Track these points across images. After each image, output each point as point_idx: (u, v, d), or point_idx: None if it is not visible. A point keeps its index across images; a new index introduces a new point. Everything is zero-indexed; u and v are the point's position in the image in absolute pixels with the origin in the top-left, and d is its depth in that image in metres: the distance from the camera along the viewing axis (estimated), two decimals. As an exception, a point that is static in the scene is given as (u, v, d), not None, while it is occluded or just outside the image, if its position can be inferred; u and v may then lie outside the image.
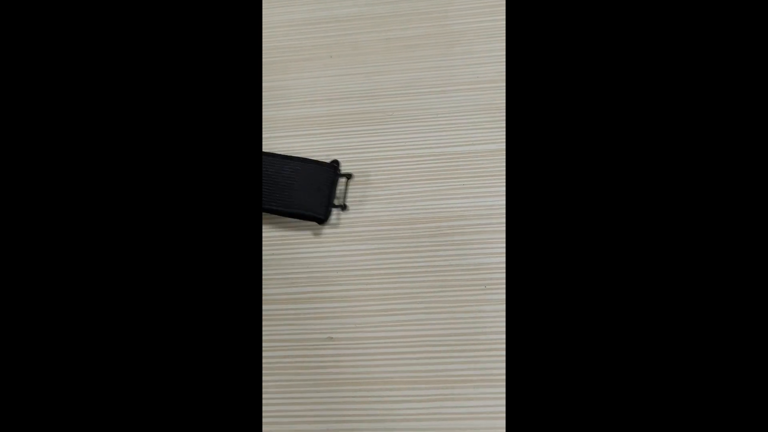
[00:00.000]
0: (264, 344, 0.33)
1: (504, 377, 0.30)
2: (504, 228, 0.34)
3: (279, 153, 0.36)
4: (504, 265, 0.33)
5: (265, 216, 0.36)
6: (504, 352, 0.31)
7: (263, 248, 0.36)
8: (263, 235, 0.36)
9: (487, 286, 0.32)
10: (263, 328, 0.33)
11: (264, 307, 0.34)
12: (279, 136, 0.39)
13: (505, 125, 0.36)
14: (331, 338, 0.32)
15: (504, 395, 0.30)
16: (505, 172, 0.35)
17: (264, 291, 0.34)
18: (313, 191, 0.35)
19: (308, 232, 0.36)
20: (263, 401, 0.31)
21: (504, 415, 0.29)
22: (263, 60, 0.41)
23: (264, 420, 0.31)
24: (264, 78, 0.41)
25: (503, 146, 0.36)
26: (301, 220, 0.35)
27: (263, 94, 0.40)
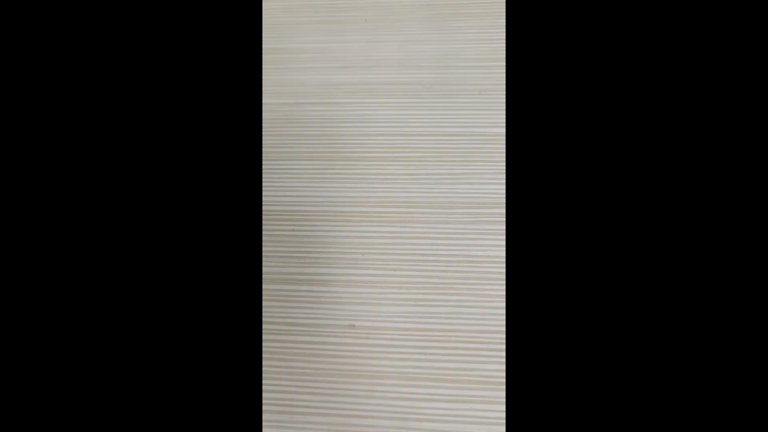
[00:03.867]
0: (278, 327, 0.30)
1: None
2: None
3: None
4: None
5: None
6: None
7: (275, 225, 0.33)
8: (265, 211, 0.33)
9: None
10: (278, 310, 0.31)
11: (277, 287, 0.31)
12: (304, 102, 0.36)
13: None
14: (352, 326, 0.30)
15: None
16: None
17: (277, 269, 0.32)
18: None
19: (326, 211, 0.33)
20: (272, 388, 0.29)
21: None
22: (294, 20, 0.38)
23: (274, 408, 0.28)
24: (290, 39, 0.38)
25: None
26: None
27: (288, 56, 0.37)
